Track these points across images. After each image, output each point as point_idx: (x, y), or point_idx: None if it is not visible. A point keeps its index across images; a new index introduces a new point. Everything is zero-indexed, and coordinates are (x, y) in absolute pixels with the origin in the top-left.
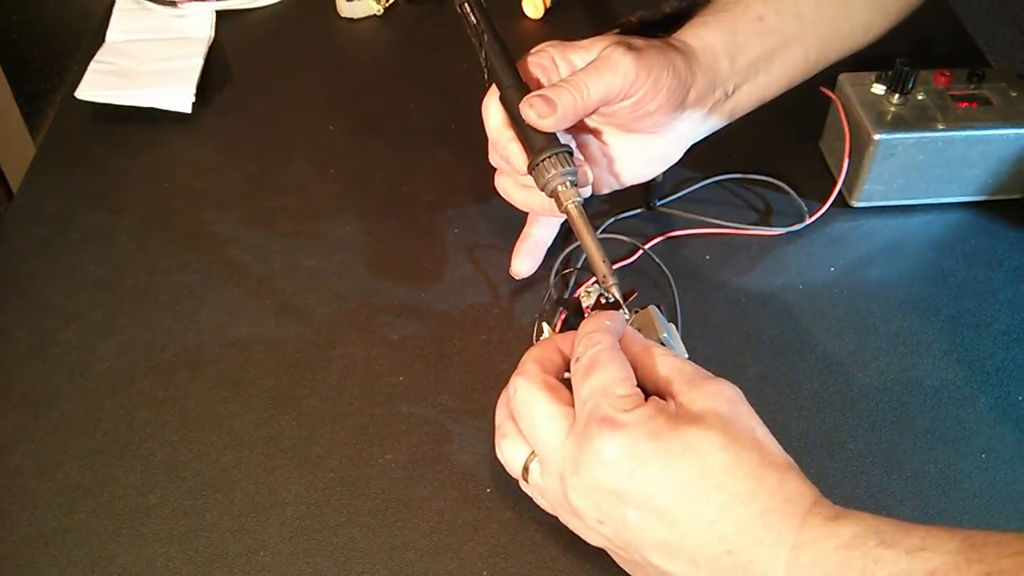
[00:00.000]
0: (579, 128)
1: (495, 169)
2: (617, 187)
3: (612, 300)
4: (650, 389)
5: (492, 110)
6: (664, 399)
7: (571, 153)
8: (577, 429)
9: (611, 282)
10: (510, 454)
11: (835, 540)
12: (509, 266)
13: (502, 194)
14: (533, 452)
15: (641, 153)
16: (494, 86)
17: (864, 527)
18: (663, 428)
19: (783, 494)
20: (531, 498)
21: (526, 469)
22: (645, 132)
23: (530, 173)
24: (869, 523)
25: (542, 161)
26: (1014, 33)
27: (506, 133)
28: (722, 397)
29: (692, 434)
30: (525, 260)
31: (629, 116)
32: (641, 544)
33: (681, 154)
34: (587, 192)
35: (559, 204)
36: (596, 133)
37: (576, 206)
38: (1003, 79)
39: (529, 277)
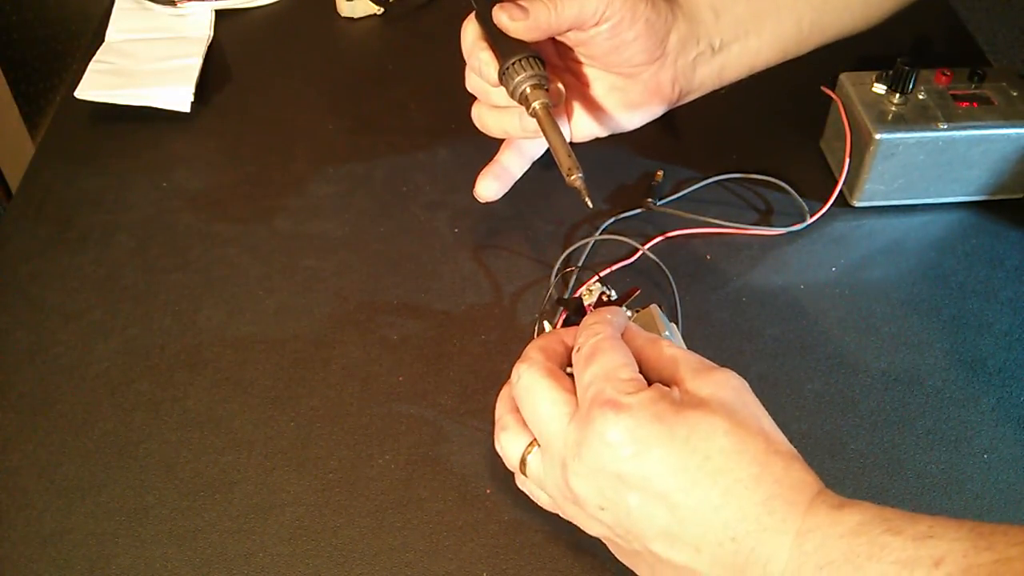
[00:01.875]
0: (559, 68)
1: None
2: (598, 133)
3: (614, 297)
4: (655, 379)
5: (469, 28)
6: (669, 388)
7: (541, 59)
8: (580, 413)
9: (576, 175)
10: (509, 446)
11: (840, 527)
12: (475, 187)
13: (478, 125)
14: (532, 443)
15: (621, 97)
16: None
17: (870, 515)
18: (667, 411)
19: (788, 481)
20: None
21: (523, 462)
22: (625, 72)
23: (500, 81)
24: (874, 511)
25: (511, 65)
26: (1014, 33)
27: (480, 45)
28: (728, 386)
29: (696, 418)
30: (490, 183)
31: (607, 45)
32: (642, 532)
33: (665, 108)
34: (567, 131)
35: (527, 106)
36: (577, 73)
37: (543, 106)
38: (1004, 78)
39: (530, 277)
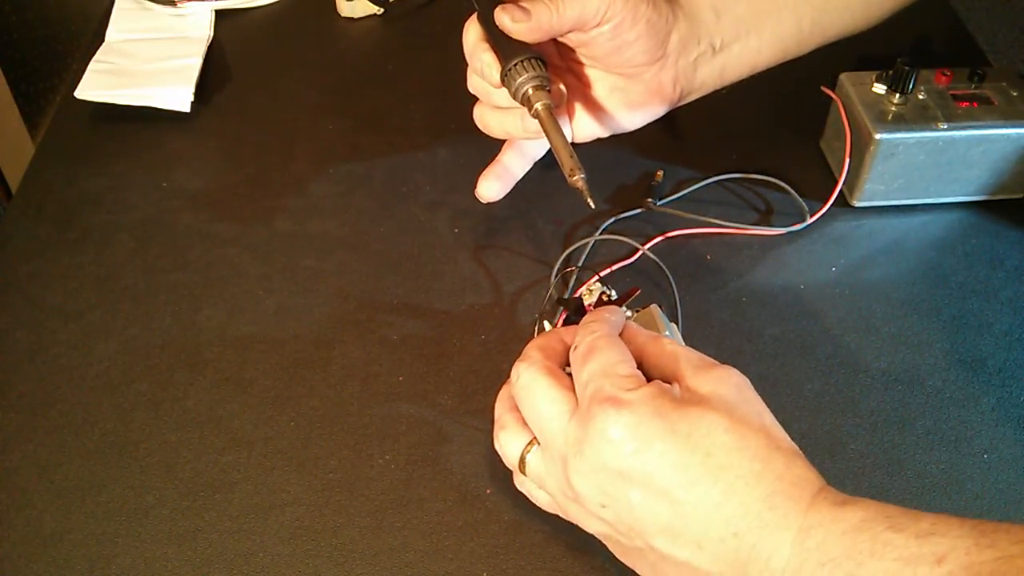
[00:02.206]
0: (560, 69)
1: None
2: (599, 134)
3: (614, 297)
4: (656, 376)
5: (470, 30)
6: (670, 384)
7: (543, 61)
8: (580, 411)
9: (578, 176)
10: (508, 445)
11: (843, 524)
12: (476, 187)
13: (480, 126)
14: (531, 442)
15: (623, 97)
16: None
17: (872, 512)
18: (668, 407)
19: (789, 477)
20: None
21: (523, 461)
22: (627, 73)
23: (502, 83)
24: (877, 509)
25: (513, 66)
26: (1014, 33)
27: (481, 46)
28: (729, 383)
29: (697, 414)
30: (492, 184)
31: (608, 46)
32: (644, 528)
33: (666, 108)
34: (568, 131)
35: (529, 107)
36: (578, 74)
37: (546, 107)
38: (1004, 78)
39: (530, 277)
